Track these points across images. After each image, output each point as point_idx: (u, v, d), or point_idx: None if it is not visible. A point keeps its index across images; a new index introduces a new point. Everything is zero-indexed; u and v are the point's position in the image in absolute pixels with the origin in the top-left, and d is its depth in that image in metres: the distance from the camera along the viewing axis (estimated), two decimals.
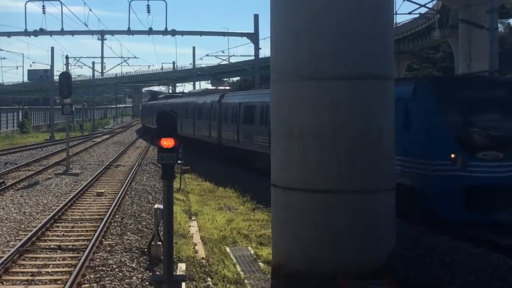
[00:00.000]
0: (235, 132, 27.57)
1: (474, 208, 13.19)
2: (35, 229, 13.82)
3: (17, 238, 13.52)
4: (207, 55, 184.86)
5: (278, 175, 10.94)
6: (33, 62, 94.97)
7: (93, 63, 79.35)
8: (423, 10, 62.07)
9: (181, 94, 63.36)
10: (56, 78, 50.85)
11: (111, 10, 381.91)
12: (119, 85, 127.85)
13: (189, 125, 38.30)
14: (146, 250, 12.25)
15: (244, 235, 13.86)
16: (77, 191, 19.95)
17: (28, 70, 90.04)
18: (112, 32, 45.48)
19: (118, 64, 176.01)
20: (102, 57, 64.16)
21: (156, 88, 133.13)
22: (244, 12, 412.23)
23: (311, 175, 10.28)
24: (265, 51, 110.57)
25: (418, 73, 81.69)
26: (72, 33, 43.14)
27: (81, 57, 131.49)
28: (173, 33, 42.12)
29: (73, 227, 14.96)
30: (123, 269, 11.08)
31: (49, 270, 11.05)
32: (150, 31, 41.45)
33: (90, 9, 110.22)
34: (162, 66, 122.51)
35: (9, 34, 43.37)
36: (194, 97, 41.65)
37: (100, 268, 11.12)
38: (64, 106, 27.21)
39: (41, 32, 41.33)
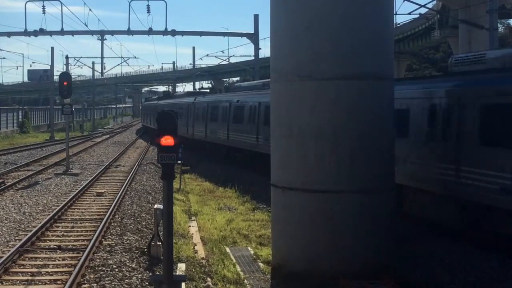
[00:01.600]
0: None
1: None
2: (35, 229, 13.82)
3: (17, 238, 13.52)
4: (207, 55, 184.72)
5: (278, 175, 10.93)
6: (33, 62, 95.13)
7: (93, 63, 79.48)
8: (423, 10, 62.05)
9: (208, 90, 49.36)
10: (56, 78, 50.84)
11: (111, 10, 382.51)
12: (119, 85, 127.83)
13: (247, 131, 27.55)
14: (146, 250, 12.25)
15: (244, 235, 13.86)
16: (77, 191, 19.95)
17: (28, 70, 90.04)
18: (112, 32, 45.53)
19: (118, 64, 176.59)
20: (102, 57, 64.25)
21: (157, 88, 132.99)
22: (244, 12, 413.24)
23: (311, 175, 10.28)
24: (265, 51, 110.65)
25: (418, 73, 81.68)
26: (72, 33, 43.18)
27: (81, 57, 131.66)
28: (173, 33, 42.14)
29: (73, 227, 14.96)
30: (123, 269, 11.08)
31: (49, 270, 11.05)
32: (150, 31, 41.48)
33: (90, 9, 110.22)
34: (162, 66, 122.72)
35: (9, 34, 43.40)
36: (253, 94, 28.96)
37: (100, 268, 11.12)
38: (64, 106, 27.20)
39: (41, 32, 41.36)
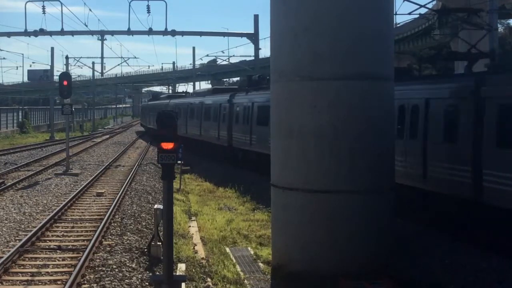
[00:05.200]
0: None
1: None
2: (35, 229, 13.81)
3: (17, 238, 13.52)
4: (207, 55, 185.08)
5: (278, 175, 10.94)
6: (33, 62, 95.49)
7: (93, 63, 79.29)
8: (423, 10, 62.03)
9: None
10: (56, 78, 50.98)
11: (111, 10, 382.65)
12: (119, 85, 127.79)
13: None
14: (146, 250, 12.25)
15: (244, 236, 13.86)
16: (77, 191, 19.93)
17: (28, 70, 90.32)
18: (112, 32, 45.57)
19: (118, 65, 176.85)
20: (102, 57, 64.30)
21: (156, 88, 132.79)
22: (244, 12, 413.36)
23: (311, 175, 10.28)
24: (265, 51, 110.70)
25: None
26: (72, 33, 43.21)
27: (81, 57, 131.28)
28: (173, 33, 42.17)
29: (73, 227, 14.95)
30: (123, 269, 11.08)
31: (49, 270, 11.05)
32: (150, 31, 41.51)
33: (90, 9, 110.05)
34: (162, 66, 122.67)
35: (9, 34, 43.44)
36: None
37: (100, 268, 11.12)
38: (64, 106, 27.21)
39: (41, 32, 41.39)
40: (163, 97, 62.80)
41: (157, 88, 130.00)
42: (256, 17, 43.87)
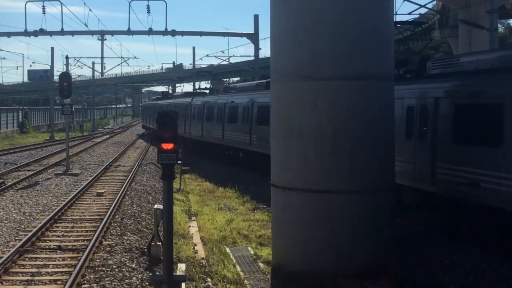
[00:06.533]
0: None
1: None
2: (35, 229, 13.81)
3: (17, 238, 13.52)
4: (207, 55, 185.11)
5: (278, 175, 10.94)
6: (33, 62, 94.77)
7: (93, 63, 79.17)
8: (423, 10, 62.10)
9: None
10: (56, 78, 50.82)
11: (111, 10, 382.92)
12: (119, 85, 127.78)
13: None
14: (146, 250, 12.25)
15: (244, 235, 13.86)
16: (77, 191, 19.94)
17: (28, 70, 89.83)
18: (112, 32, 45.49)
19: (118, 65, 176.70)
20: (102, 57, 64.17)
21: (156, 88, 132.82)
22: (244, 12, 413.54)
23: (311, 175, 10.28)
24: (265, 51, 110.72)
25: None
26: (72, 33, 43.13)
27: (81, 57, 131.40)
28: (173, 33, 42.11)
29: (73, 227, 14.95)
30: (123, 269, 11.08)
31: (49, 270, 11.05)
32: (150, 31, 41.45)
33: (90, 9, 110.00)
34: (162, 66, 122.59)
35: (9, 34, 43.37)
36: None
37: (100, 268, 11.12)
38: (64, 106, 27.22)
39: (41, 32, 41.34)
40: (178, 95, 54.16)
41: (158, 88, 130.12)
42: (256, 17, 43.83)
